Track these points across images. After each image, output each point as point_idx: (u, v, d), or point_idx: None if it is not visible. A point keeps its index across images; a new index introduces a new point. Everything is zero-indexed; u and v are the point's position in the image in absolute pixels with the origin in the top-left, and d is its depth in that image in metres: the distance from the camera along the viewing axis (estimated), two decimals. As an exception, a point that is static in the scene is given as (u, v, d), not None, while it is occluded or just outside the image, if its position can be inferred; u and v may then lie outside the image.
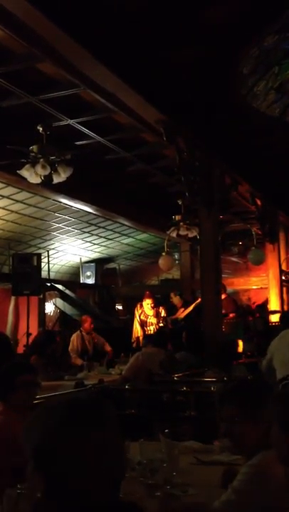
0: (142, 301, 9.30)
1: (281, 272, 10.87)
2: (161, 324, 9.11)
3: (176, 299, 10.29)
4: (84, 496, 1.12)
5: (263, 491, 1.86)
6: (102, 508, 1.13)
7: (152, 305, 9.15)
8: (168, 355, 6.18)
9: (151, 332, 8.79)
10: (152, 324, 9.11)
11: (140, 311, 9.22)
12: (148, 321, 9.13)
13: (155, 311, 9.16)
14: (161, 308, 9.34)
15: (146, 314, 9.16)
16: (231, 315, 9.41)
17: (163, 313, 9.29)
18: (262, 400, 2.10)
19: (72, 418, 1.16)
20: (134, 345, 8.86)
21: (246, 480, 1.91)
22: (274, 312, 10.56)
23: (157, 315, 9.17)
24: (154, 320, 9.13)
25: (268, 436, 2.01)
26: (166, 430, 2.79)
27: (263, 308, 11.37)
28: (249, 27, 4.74)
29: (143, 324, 9.13)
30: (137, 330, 9.15)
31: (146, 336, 7.83)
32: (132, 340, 9.11)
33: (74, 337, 8.11)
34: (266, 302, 11.48)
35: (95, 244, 14.01)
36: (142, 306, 9.23)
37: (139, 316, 9.20)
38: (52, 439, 1.13)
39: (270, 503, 1.84)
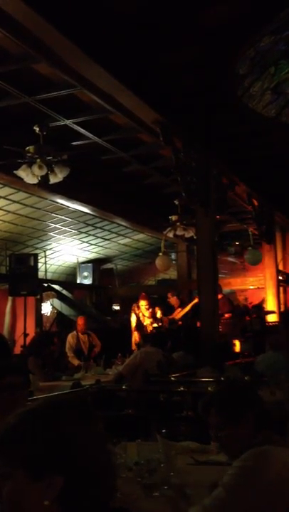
0: (137, 302, 9.30)
1: (278, 272, 10.90)
2: (155, 325, 9.09)
3: (173, 299, 10.30)
4: (96, 498, 1.09)
5: (252, 485, 1.88)
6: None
7: (147, 306, 9.14)
8: (165, 356, 6.19)
9: (149, 332, 8.79)
10: (148, 325, 9.10)
11: (138, 312, 9.21)
12: (144, 323, 9.13)
13: (151, 312, 9.16)
14: (156, 308, 9.34)
15: (143, 315, 9.17)
16: (227, 315, 9.42)
17: (159, 314, 9.28)
18: (240, 402, 2.13)
19: (82, 416, 1.13)
20: (134, 348, 8.83)
21: (235, 475, 1.93)
22: (270, 312, 10.58)
23: (153, 316, 9.16)
24: (148, 321, 9.13)
25: (254, 436, 2.04)
26: (164, 430, 2.79)
27: (260, 308, 11.39)
28: (246, 28, 4.75)
29: (140, 326, 9.12)
30: (135, 335, 9.11)
31: (144, 336, 7.84)
32: (133, 347, 9.05)
33: (69, 336, 8.14)
34: (262, 302, 11.50)
35: (91, 244, 14.00)
36: (139, 307, 9.23)
37: (137, 317, 9.18)
38: (69, 438, 1.08)
39: (259, 498, 1.86)
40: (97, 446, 1.12)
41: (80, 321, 8.30)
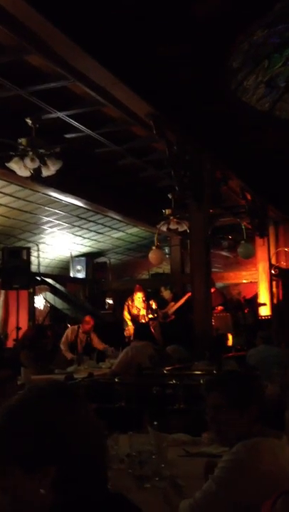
0: (132, 295, 9.27)
1: (271, 265, 10.93)
2: (150, 316, 9.07)
3: (166, 293, 10.30)
4: (91, 481, 1.08)
5: (242, 478, 1.88)
6: (100, 497, 1.11)
7: (144, 298, 9.12)
8: (157, 349, 6.20)
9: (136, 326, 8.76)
10: (144, 317, 9.08)
11: (131, 306, 9.18)
12: (140, 314, 9.10)
13: (146, 304, 9.14)
14: (152, 301, 9.32)
15: (138, 308, 9.13)
16: (219, 308, 9.45)
17: (154, 306, 9.26)
18: (250, 391, 2.12)
19: (64, 400, 1.12)
20: (127, 340, 8.82)
21: (226, 468, 1.93)
22: (262, 304, 10.61)
23: (148, 308, 9.15)
24: (143, 312, 9.10)
25: (251, 428, 2.03)
26: (155, 423, 2.80)
27: (253, 302, 11.43)
28: (240, 22, 4.74)
29: (135, 319, 9.10)
30: (130, 327, 9.07)
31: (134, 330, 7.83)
32: (126, 337, 9.04)
33: (69, 330, 8.09)
34: (255, 296, 11.53)
35: (85, 238, 13.97)
36: (132, 300, 9.20)
37: (130, 311, 9.15)
38: (56, 427, 1.07)
39: (249, 491, 1.86)
40: (86, 428, 1.11)
41: (90, 323, 8.13)
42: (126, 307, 9.27)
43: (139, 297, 9.11)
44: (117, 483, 2.31)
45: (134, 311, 9.12)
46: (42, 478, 1.05)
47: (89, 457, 1.09)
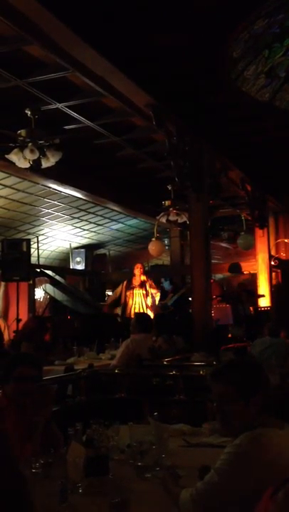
0: (129, 278, 9.19)
1: (270, 257, 10.93)
2: (158, 294, 9.02)
3: (165, 285, 10.32)
4: None
5: (245, 470, 1.88)
6: None
7: (142, 270, 9.04)
8: (165, 340, 6.23)
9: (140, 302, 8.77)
10: (140, 295, 9.03)
11: (130, 286, 9.06)
12: (135, 291, 9.01)
13: (141, 281, 9.03)
14: (149, 280, 9.23)
15: (132, 285, 9.02)
16: (217, 299, 9.47)
17: (152, 289, 9.21)
18: (256, 381, 2.09)
19: None
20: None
21: (229, 460, 1.92)
22: (261, 296, 10.61)
23: (142, 285, 9.05)
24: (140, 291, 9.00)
25: (256, 418, 2.02)
26: (156, 413, 2.81)
27: (252, 293, 11.43)
28: (240, 11, 4.70)
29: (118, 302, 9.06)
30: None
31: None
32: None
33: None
34: (254, 287, 11.54)
35: (84, 229, 13.96)
36: (130, 281, 9.09)
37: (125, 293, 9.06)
38: None
39: (252, 483, 1.85)
40: None
41: None
42: (122, 287, 9.13)
43: (138, 267, 9.01)
44: (117, 474, 2.33)
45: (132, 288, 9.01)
46: None
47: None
